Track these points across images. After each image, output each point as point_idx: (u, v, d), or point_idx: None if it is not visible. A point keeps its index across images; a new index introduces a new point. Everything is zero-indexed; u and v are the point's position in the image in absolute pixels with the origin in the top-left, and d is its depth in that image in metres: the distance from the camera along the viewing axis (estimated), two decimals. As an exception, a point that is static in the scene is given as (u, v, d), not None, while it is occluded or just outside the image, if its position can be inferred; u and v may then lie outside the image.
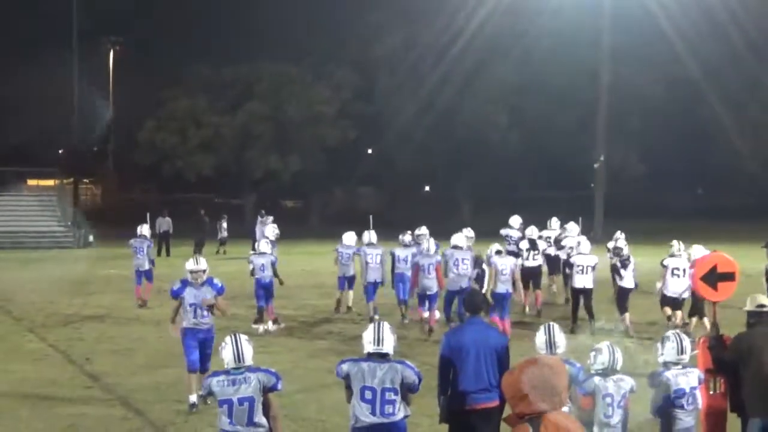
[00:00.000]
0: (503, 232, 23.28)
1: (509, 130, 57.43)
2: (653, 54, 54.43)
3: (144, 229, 22.78)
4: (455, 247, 17.81)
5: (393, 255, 19.71)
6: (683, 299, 17.55)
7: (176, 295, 12.58)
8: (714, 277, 9.58)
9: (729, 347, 9.20)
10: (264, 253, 18.89)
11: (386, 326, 8.29)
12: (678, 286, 17.45)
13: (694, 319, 17.63)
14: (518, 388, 4.86)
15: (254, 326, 18.09)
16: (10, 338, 18.00)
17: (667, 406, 8.64)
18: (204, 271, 12.50)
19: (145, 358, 15.69)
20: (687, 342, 8.79)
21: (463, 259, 17.54)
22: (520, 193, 64.21)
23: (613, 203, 51.16)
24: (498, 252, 17.63)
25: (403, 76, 58.80)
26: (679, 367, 8.71)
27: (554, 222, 23.78)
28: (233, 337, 8.30)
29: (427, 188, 73.88)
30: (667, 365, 8.74)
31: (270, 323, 18.50)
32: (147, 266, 22.33)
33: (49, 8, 62.55)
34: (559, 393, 4.84)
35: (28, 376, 14.41)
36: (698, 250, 17.62)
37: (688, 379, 8.69)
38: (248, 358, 8.18)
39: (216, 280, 12.72)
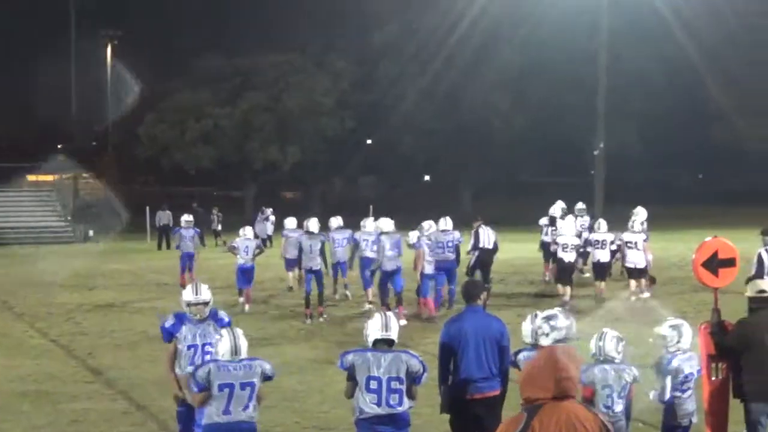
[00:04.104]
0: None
1: (512, 115, 57.29)
2: (652, 36, 54.18)
3: (188, 217, 24.56)
4: (384, 232, 18.65)
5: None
6: (642, 268, 19.86)
7: (169, 335, 9.38)
8: (715, 263, 9.52)
9: (731, 333, 9.20)
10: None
11: (391, 314, 8.38)
12: (635, 258, 19.75)
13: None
14: (521, 377, 4.89)
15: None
16: (12, 334, 18.01)
17: (674, 392, 8.63)
18: (207, 303, 9.37)
19: (147, 352, 15.63)
20: (686, 329, 8.77)
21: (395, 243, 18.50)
22: (521, 179, 64.16)
23: (614, 188, 51.03)
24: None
25: (405, 63, 58.56)
26: (681, 352, 8.70)
27: (580, 206, 24.71)
28: (230, 330, 8.32)
29: (427, 177, 73.66)
30: (672, 352, 8.73)
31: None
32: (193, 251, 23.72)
33: (47, 2, 62.62)
34: (558, 381, 4.79)
35: (30, 371, 14.41)
36: (641, 213, 21.09)
37: (692, 363, 8.72)
38: (244, 352, 8.20)
39: (222, 314, 9.59)
